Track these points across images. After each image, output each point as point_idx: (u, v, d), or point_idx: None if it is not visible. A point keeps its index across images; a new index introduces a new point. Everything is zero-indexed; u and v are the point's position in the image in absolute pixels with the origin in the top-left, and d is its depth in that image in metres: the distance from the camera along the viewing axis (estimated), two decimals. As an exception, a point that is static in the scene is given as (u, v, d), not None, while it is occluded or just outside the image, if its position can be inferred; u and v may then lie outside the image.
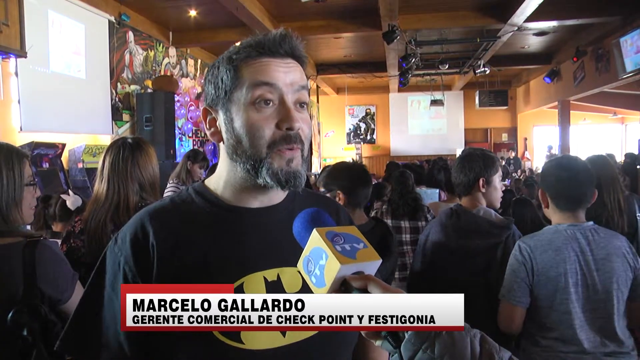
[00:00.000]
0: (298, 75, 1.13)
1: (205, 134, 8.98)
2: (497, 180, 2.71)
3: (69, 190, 3.18)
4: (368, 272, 0.89)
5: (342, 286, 0.87)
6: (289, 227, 1.04)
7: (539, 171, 11.68)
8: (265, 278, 1.09)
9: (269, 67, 1.09)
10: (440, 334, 0.82)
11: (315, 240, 0.90)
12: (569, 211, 2.29)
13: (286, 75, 1.10)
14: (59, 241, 3.08)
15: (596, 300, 2.17)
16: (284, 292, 1.09)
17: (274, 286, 1.09)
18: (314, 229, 0.91)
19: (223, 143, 1.14)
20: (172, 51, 10.28)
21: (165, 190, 5.03)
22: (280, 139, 1.07)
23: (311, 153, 13.62)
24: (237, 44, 1.16)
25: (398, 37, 8.97)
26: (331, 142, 19.51)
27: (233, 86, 1.09)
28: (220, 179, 1.18)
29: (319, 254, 0.89)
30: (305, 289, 1.05)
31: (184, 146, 9.97)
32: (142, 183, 2.47)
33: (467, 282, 2.58)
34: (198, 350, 1.02)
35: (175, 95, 9.04)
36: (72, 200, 3.08)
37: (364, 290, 0.86)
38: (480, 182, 2.67)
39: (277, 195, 1.19)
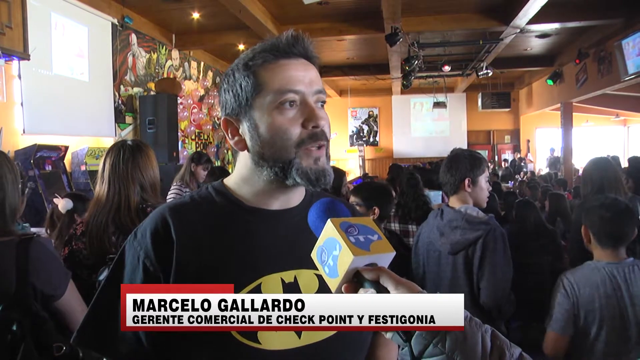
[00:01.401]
0: (315, 75, 1.14)
1: (208, 135, 8.98)
2: (484, 180, 2.78)
3: (56, 194, 3.19)
4: (381, 264, 0.89)
5: (355, 277, 0.87)
6: (306, 229, 1.05)
7: (542, 173, 11.65)
8: (282, 279, 1.10)
9: (288, 70, 1.10)
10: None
11: (329, 231, 0.90)
12: (610, 248, 2.40)
13: (305, 75, 1.11)
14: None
15: (634, 333, 2.28)
16: (300, 294, 1.09)
17: (291, 288, 1.10)
18: (329, 219, 0.91)
19: (248, 151, 1.15)
20: (175, 54, 10.30)
21: (169, 193, 5.03)
22: (307, 137, 1.09)
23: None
24: (242, 48, 1.16)
25: (401, 40, 8.96)
26: (334, 144, 19.36)
27: (255, 92, 1.10)
28: (241, 180, 1.18)
29: (332, 245, 0.89)
30: (323, 291, 1.06)
31: (186, 148, 9.98)
32: (143, 184, 2.46)
33: (452, 279, 2.68)
34: (216, 349, 1.03)
35: (178, 98, 9.06)
36: (62, 204, 3.09)
37: (376, 282, 0.86)
38: (466, 182, 2.74)
39: (296, 197, 1.20)
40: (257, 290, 1.06)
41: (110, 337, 1.08)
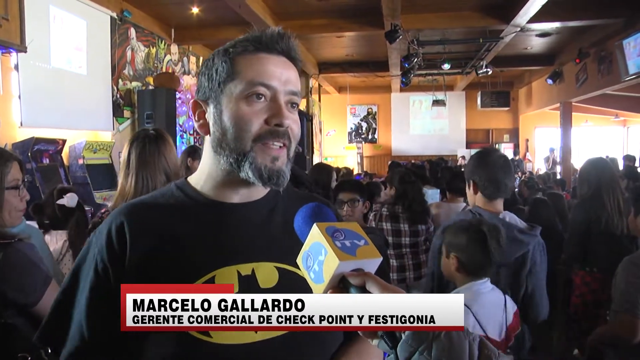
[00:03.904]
0: (293, 76, 1.13)
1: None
2: None
3: (62, 195, 3.13)
4: (368, 270, 0.87)
5: (341, 283, 0.86)
6: (269, 222, 1.06)
7: (540, 172, 11.68)
8: (238, 272, 1.08)
9: (266, 64, 1.10)
10: (438, 337, 0.81)
11: (315, 235, 0.89)
12: None
13: (282, 73, 1.10)
14: (62, 233, 3.07)
15: None
16: (258, 286, 1.08)
17: (247, 280, 1.08)
18: (314, 224, 0.90)
19: (209, 136, 1.14)
20: (174, 48, 10.26)
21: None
22: (266, 132, 1.08)
23: (312, 152, 13.61)
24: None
25: (400, 37, 8.96)
26: (332, 141, 19.51)
27: (228, 78, 1.09)
28: (202, 173, 1.18)
29: (318, 250, 0.87)
30: (282, 284, 1.07)
31: (185, 143, 9.96)
32: (169, 173, 2.45)
33: None
34: (167, 343, 1.02)
35: (177, 93, 9.04)
36: (67, 200, 3.06)
37: (362, 287, 0.85)
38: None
39: (259, 191, 1.19)
40: (211, 282, 1.05)
41: (61, 335, 1.10)
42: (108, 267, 1.07)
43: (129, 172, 2.43)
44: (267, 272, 1.10)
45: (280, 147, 1.09)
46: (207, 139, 1.16)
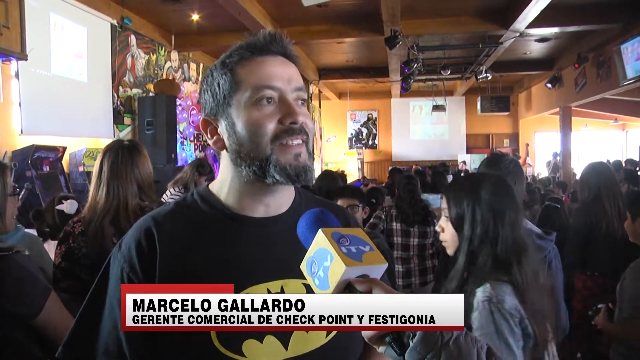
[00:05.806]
0: (294, 73, 1.12)
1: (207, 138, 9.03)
2: None
3: (62, 200, 3.14)
4: (373, 276, 0.87)
5: (346, 290, 0.85)
6: (294, 237, 1.02)
7: (541, 177, 11.62)
8: (268, 289, 1.07)
9: (265, 66, 1.09)
10: (447, 344, 0.81)
11: (320, 241, 0.88)
12: None
13: (284, 72, 1.10)
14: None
15: None
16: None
17: None
18: (320, 229, 0.89)
19: (226, 150, 1.12)
20: (174, 55, 10.29)
21: (169, 197, 4.97)
22: (282, 131, 1.06)
23: (313, 158, 13.61)
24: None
25: (400, 43, 8.97)
26: (333, 147, 19.50)
27: (232, 90, 1.08)
28: (224, 184, 1.15)
29: (323, 255, 0.87)
30: None
31: (185, 150, 9.96)
32: (141, 184, 2.44)
33: None
34: None
35: (177, 99, 9.04)
36: (68, 207, 3.05)
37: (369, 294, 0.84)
38: None
39: (284, 201, 1.17)
40: None
41: (91, 350, 1.07)
42: (140, 278, 1.05)
43: (100, 182, 2.41)
44: (295, 289, 1.09)
45: (299, 143, 1.08)
46: (224, 153, 1.13)
